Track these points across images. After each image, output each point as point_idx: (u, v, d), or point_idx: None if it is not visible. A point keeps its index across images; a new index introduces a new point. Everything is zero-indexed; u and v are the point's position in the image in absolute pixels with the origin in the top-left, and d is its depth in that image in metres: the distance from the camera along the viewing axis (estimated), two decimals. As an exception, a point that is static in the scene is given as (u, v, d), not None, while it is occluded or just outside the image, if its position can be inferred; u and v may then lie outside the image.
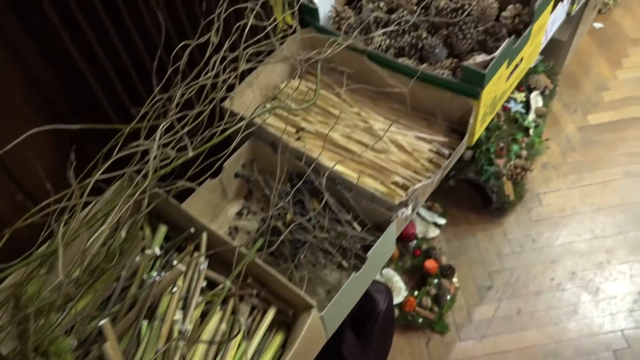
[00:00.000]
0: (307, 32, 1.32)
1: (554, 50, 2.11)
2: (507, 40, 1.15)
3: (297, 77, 1.32)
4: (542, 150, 2.00)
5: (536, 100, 2.01)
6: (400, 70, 1.23)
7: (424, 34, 1.33)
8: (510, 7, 1.33)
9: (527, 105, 1.99)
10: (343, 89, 1.29)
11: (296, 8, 1.18)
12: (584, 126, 2.12)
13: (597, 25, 2.45)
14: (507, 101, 1.96)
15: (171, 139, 0.89)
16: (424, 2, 1.40)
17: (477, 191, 1.88)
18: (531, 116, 1.96)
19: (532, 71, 2.07)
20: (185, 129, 0.94)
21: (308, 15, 1.32)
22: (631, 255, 1.76)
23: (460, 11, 1.30)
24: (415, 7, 1.40)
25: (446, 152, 1.21)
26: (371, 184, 1.19)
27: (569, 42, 2.10)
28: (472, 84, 1.14)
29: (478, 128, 1.26)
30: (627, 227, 1.83)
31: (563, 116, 2.15)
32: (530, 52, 1.38)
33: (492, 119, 1.78)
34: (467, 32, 1.27)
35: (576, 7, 1.57)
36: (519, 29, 1.31)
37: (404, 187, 1.18)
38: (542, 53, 2.02)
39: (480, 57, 1.11)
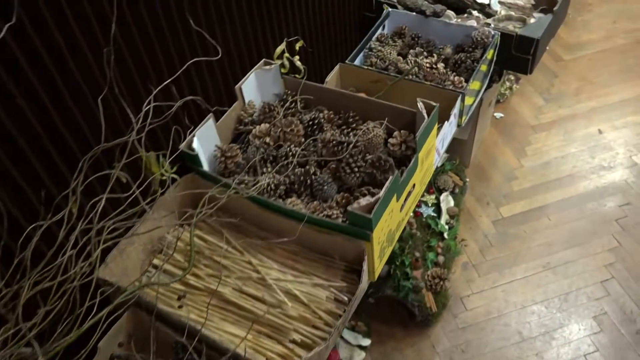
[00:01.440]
0: (188, 181, 1.27)
1: (459, 147, 2.18)
2: (390, 178, 1.14)
3: (183, 226, 1.26)
4: (460, 251, 2.00)
5: (447, 201, 2.04)
6: (289, 214, 1.19)
7: (313, 169, 1.31)
8: (396, 134, 1.34)
9: (438, 207, 2.01)
10: (233, 237, 1.24)
11: (167, 161, 1.12)
12: (498, 219, 2.16)
13: (498, 114, 2.58)
14: (418, 206, 1.97)
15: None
16: (311, 136, 1.40)
17: (400, 303, 1.83)
18: (444, 219, 1.98)
19: (440, 171, 2.11)
20: (34, 332, 0.83)
21: (190, 161, 1.27)
22: (562, 356, 1.73)
23: (345, 144, 1.29)
24: (303, 139, 1.40)
25: (345, 298, 1.15)
26: (267, 345, 1.10)
27: (471, 139, 2.18)
28: (360, 227, 1.11)
29: (377, 265, 1.22)
30: (553, 324, 1.82)
31: (477, 211, 2.19)
32: (423, 175, 1.38)
33: (404, 229, 1.77)
34: (354, 166, 1.26)
35: (466, 118, 1.63)
36: (408, 154, 1.32)
37: (304, 345, 1.11)
38: (447, 151, 2.07)
39: (365, 200, 1.08)
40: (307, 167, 1.32)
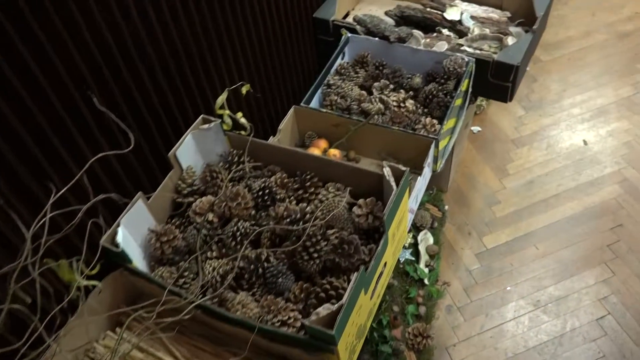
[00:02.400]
0: (116, 280, 1.07)
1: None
2: (355, 276, 0.95)
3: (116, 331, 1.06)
4: (443, 294, 1.84)
5: (426, 239, 1.87)
6: (238, 323, 1.00)
7: (265, 253, 1.12)
8: (361, 202, 1.16)
9: (417, 247, 1.84)
10: (175, 343, 1.04)
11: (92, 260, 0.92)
12: (482, 251, 2.00)
13: (475, 128, 2.41)
14: (394, 249, 1.79)
15: None
16: (263, 207, 1.20)
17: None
18: (423, 261, 1.81)
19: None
20: None
21: (115, 259, 1.07)
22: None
23: (301, 222, 1.10)
24: (253, 212, 1.20)
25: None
26: None
27: (448, 164, 2.00)
28: (322, 342, 0.92)
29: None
30: (548, 373, 1.68)
31: (458, 243, 2.02)
32: (395, 248, 1.20)
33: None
34: (313, 251, 1.08)
35: (442, 162, 1.45)
36: (376, 226, 1.14)
37: None
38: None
39: (325, 309, 0.90)
40: (259, 250, 1.13)
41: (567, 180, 2.19)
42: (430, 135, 1.35)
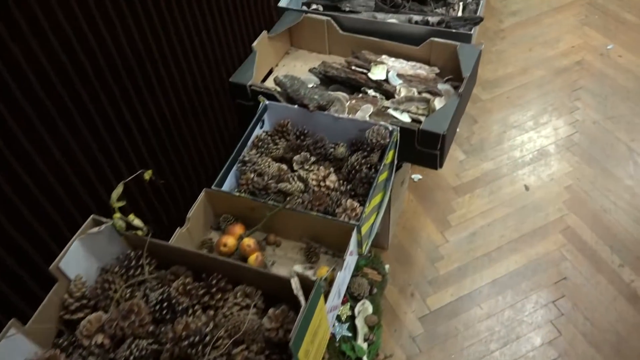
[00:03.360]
0: None
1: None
2: None
3: None
4: (385, 368, 1.74)
5: (364, 310, 1.78)
6: None
7: (162, 382, 0.99)
8: (271, 312, 1.05)
9: (354, 320, 1.74)
10: None
11: None
12: (425, 315, 1.92)
13: (416, 177, 2.35)
14: (330, 325, 1.69)
15: None
16: (163, 320, 1.08)
17: None
18: (361, 336, 1.71)
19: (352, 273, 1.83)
20: None
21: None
22: None
23: (201, 344, 0.98)
24: (152, 327, 1.07)
25: None
26: None
27: (386, 223, 1.92)
28: None
29: None
30: None
31: (400, 306, 1.94)
32: (315, 353, 1.09)
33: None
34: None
35: (367, 244, 1.35)
36: (288, 340, 1.03)
37: None
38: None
39: None
40: (155, 378, 1.00)
41: (510, 231, 2.14)
42: (351, 222, 1.26)
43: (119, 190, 1.18)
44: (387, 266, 2.01)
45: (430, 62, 1.77)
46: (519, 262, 2.05)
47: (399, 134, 1.45)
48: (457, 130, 2.48)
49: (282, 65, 1.91)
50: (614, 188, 2.24)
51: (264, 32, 1.77)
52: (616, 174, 2.29)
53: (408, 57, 1.78)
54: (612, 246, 2.04)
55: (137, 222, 1.14)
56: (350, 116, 1.54)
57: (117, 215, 1.12)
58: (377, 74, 1.68)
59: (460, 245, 2.12)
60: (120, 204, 1.18)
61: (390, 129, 1.44)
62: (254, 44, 1.72)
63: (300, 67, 1.89)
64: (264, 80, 1.86)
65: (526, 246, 2.09)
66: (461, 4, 1.95)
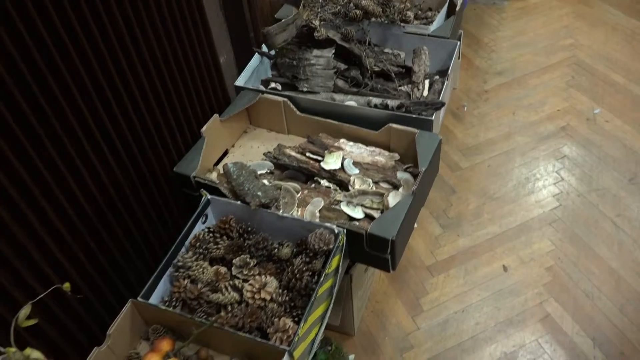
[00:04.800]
0: None
1: (336, 318, 1.80)
2: None
3: None
4: None
5: (319, 415, 1.65)
6: None
7: None
8: None
9: None
10: None
11: None
12: (390, 416, 1.79)
13: (388, 254, 2.24)
14: None
15: None
16: None
17: None
18: None
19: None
20: None
21: None
22: None
23: None
24: None
25: None
26: None
27: (350, 310, 1.81)
28: None
29: None
30: None
31: (364, 404, 1.81)
32: None
33: None
34: None
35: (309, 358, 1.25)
36: None
37: None
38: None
39: None
40: None
41: (485, 318, 2.02)
42: (282, 346, 1.15)
43: (26, 310, 1.09)
44: (351, 357, 1.90)
45: (390, 148, 1.69)
46: (494, 354, 1.92)
47: (345, 238, 1.36)
48: (435, 200, 2.41)
49: (239, 146, 1.85)
50: (598, 271, 2.13)
51: (215, 116, 1.71)
52: (600, 254, 2.18)
53: (367, 142, 1.70)
54: (594, 338, 1.92)
55: (36, 355, 1.04)
56: (294, 215, 1.46)
57: (12, 349, 1.03)
58: (331, 163, 1.60)
59: (432, 334, 2.00)
60: (32, 322, 1.09)
61: (336, 231, 1.36)
62: (203, 129, 1.66)
63: (256, 149, 1.82)
64: (218, 162, 1.79)
65: (502, 336, 1.97)
66: (427, 82, 1.89)
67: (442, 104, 1.66)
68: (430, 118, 1.64)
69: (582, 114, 2.83)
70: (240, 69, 2.03)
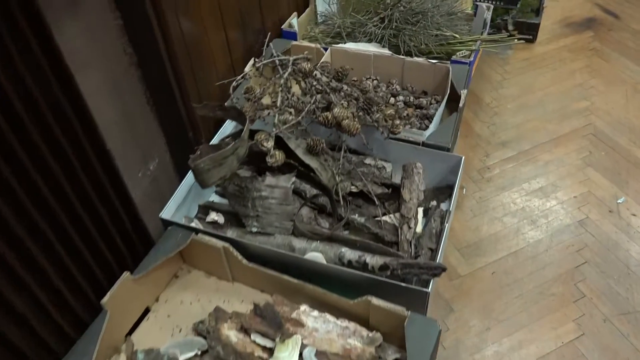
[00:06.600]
0: None
1: None
2: None
3: None
4: None
5: None
6: None
7: None
8: None
9: None
10: None
11: None
12: None
13: None
14: None
15: None
16: None
17: None
18: None
19: None
20: None
21: None
22: None
23: None
24: None
25: None
26: None
27: None
28: None
29: None
30: None
31: None
32: None
33: None
34: None
35: None
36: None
37: None
38: None
39: None
40: None
41: None
42: None
43: None
44: None
45: (370, 323, 1.23)
46: None
47: None
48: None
49: (164, 301, 1.38)
50: None
51: (126, 274, 1.24)
52: (636, 411, 1.75)
53: (338, 311, 1.24)
54: None
55: None
56: None
57: None
58: (284, 358, 1.14)
59: None
60: None
61: None
62: (104, 300, 1.19)
63: (188, 307, 1.35)
64: (138, 323, 1.33)
65: None
66: (420, 211, 1.43)
67: (443, 270, 1.20)
68: (425, 290, 1.18)
69: (603, 204, 2.40)
70: (180, 172, 1.58)
